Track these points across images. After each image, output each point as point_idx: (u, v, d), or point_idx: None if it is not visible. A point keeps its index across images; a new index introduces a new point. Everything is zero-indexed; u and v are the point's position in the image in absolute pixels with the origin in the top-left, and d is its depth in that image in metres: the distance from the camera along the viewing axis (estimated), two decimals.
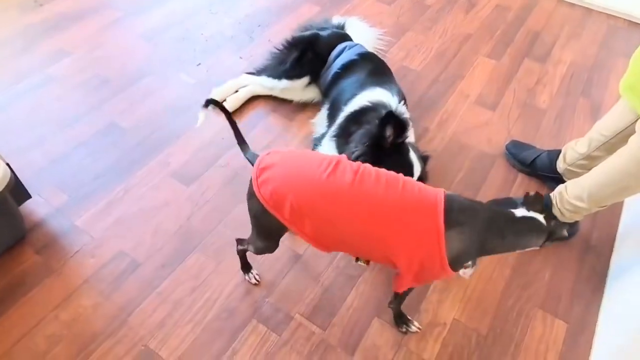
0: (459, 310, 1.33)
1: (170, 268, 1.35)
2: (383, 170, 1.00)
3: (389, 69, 1.71)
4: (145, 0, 2.34)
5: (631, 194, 1.27)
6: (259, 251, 1.19)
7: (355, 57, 1.67)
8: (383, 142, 1.24)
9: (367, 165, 1.01)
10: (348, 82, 1.61)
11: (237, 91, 1.85)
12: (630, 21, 2.48)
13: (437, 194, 0.97)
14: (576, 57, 2.23)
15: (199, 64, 2.03)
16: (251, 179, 1.01)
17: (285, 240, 1.34)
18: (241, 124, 1.75)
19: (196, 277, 1.33)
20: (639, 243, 1.40)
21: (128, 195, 1.52)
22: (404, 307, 1.25)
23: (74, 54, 2.02)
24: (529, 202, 1.01)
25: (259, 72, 1.86)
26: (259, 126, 1.79)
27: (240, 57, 2.08)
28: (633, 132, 1.18)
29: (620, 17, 2.50)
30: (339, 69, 1.67)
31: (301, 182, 0.96)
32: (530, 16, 2.48)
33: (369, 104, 1.44)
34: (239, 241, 1.25)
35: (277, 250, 1.18)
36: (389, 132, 1.22)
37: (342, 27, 1.97)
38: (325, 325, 1.27)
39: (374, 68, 1.64)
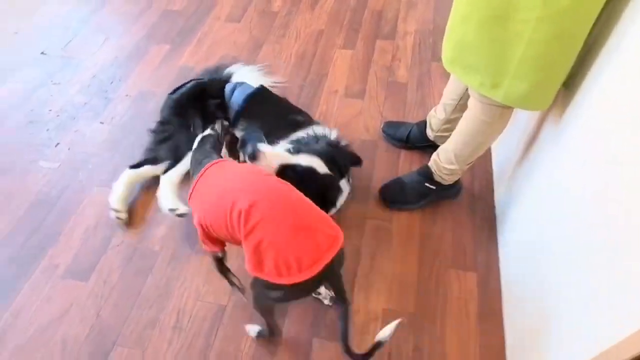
0: (385, 300, 1.41)
1: None
2: None
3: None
4: None
5: (488, 146, 1.43)
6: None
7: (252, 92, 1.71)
8: None
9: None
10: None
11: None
12: None
13: None
14: (418, 25, 2.42)
15: (58, 143, 1.87)
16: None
17: (209, 296, 1.31)
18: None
19: None
20: (509, 179, 1.57)
21: (19, 319, 1.37)
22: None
23: None
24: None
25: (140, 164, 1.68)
26: None
27: (101, 122, 1.95)
28: None
29: None
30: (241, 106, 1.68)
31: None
32: None
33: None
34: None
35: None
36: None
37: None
38: None
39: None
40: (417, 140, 1.76)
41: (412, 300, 1.41)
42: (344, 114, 1.97)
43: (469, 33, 1.09)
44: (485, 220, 1.59)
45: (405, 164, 1.77)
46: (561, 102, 1.16)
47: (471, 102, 1.29)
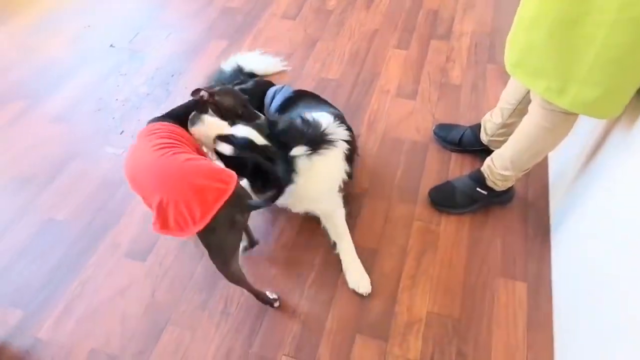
0: (430, 303, 1.40)
1: (148, 352, 1.34)
2: None
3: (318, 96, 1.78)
4: (50, 81, 2.27)
5: (546, 153, 1.38)
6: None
7: (290, 95, 1.71)
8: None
9: None
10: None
11: None
12: None
13: None
14: (475, 27, 2.36)
15: (122, 131, 2.00)
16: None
17: (255, 286, 1.36)
18: None
19: (175, 353, 1.33)
20: (568, 189, 1.51)
21: (86, 289, 1.49)
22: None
23: None
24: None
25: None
26: None
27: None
28: None
29: None
30: (277, 110, 1.69)
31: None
32: None
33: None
34: None
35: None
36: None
37: (239, 68, 2.02)
38: (312, 358, 1.31)
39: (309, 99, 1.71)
40: (469, 144, 1.73)
41: (457, 306, 1.39)
42: (395, 113, 1.97)
43: (537, 37, 1.06)
44: (538, 230, 1.54)
45: (456, 167, 1.75)
46: (633, 110, 1.11)
47: (532, 107, 1.25)
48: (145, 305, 1.44)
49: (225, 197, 1.09)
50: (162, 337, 1.37)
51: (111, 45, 2.46)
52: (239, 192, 1.14)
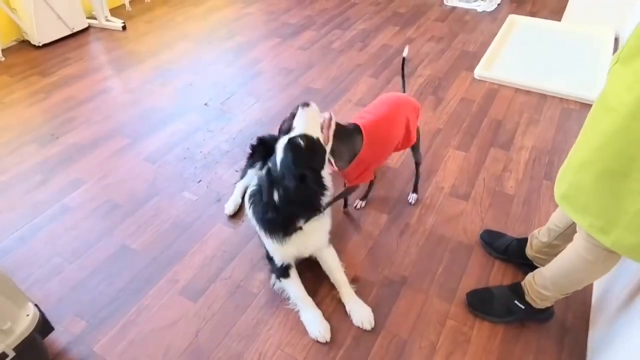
0: None
1: None
2: None
3: None
4: (150, 125, 2.66)
5: (588, 283, 1.42)
6: None
7: None
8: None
9: None
10: None
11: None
12: (581, 103, 2.78)
13: None
14: (536, 142, 2.49)
15: (200, 180, 2.27)
16: None
17: (289, 348, 1.46)
18: None
19: None
20: (609, 320, 1.52)
21: (141, 316, 1.66)
22: None
23: (87, 182, 2.26)
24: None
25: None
26: None
27: (236, 170, 2.32)
28: None
29: (571, 100, 2.81)
30: None
31: None
32: (492, 106, 2.79)
33: None
34: None
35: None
36: None
37: None
38: None
39: None
40: (514, 255, 1.80)
41: None
42: (445, 211, 2.09)
43: (586, 180, 1.17)
44: (572, 357, 1.53)
45: (497, 275, 1.80)
46: None
47: (577, 238, 1.33)
48: (188, 342, 1.58)
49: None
50: None
51: (205, 104, 2.85)
52: None
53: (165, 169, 2.35)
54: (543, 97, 2.85)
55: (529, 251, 1.73)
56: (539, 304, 1.54)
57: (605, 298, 1.62)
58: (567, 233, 1.54)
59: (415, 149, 2.00)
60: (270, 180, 1.51)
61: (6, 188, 2.25)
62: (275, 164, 1.50)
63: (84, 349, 1.56)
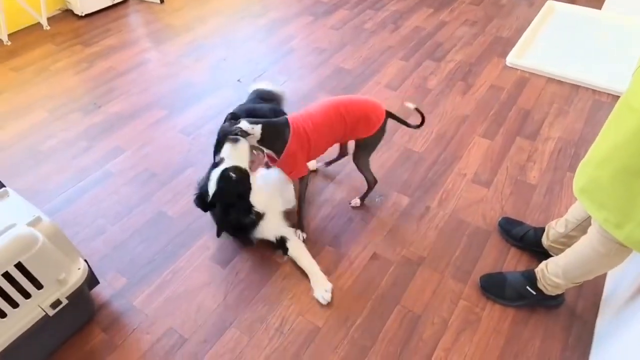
0: None
1: (211, 343, 1.61)
2: None
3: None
4: (185, 99, 2.77)
5: (598, 274, 1.48)
6: None
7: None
8: None
9: None
10: None
11: None
12: (614, 95, 2.74)
13: None
14: (563, 133, 2.49)
15: None
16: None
17: (310, 315, 1.59)
18: None
19: (232, 351, 1.59)
20: (618, 310, 1.57)
21: (175, 277, 1.82)
22: None
23: (126, 150, 2.41)
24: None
25: None
26: None
27: None
28: None
29: (604, 92, 2.77)
30: None
31: None
32: (522, 95, 2.78)
33: None
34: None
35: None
36: None
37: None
38: None
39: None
40: (530, 244, 1.86)
41: None
42: (466, 197, 2.14)
43: (604, 176, 1.21)
44: (579, 342, 1.61)
45: (512, 261, 1.87)
46: None
47: (591, 230, 1.38)
48: (217, 303, 1.73)
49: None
50: (225, 334, 1.64)
51: (238, 80, 2.94)
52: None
53: (199, 141, 2.47)
54: (575, 88, 2.82)
55: (546, 241, 1.79)
56: (550, 291, 1.61)
57: (616, 289, 1.67)
58: (584, 225, 1.58)
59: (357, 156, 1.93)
60: (205, 203, 1.70)
61: (55, 152, 2.42)
62: (207, 191, 1.66)
63: (124, 303, 1.73)
